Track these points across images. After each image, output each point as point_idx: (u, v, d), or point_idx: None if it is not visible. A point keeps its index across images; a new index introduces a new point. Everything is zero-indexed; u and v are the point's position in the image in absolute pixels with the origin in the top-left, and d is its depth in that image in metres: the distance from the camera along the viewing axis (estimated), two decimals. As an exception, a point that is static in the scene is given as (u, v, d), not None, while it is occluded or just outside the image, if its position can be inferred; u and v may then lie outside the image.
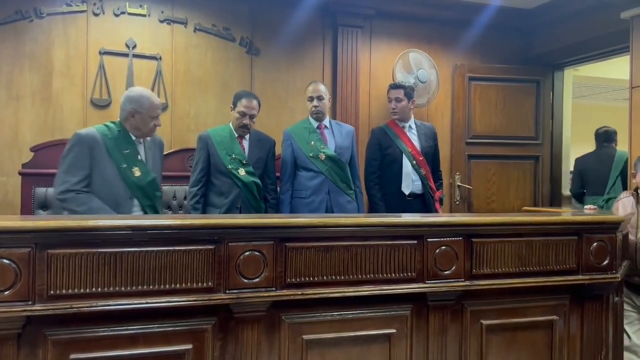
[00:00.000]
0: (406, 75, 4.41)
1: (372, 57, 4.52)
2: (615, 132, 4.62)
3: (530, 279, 1.92)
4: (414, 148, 3.43)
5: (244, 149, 3.12)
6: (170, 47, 4.04)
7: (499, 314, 1.92)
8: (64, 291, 1.44)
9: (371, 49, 4.52)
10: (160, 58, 4.00)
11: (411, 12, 4.50)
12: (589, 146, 4.75)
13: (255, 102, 3.10)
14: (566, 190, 4.93)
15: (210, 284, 1.57)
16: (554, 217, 2.11)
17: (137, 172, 2.51)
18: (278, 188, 3.28)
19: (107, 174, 2.44)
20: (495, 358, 1.91)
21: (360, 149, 3.81)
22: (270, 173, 3.22)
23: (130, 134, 2.55)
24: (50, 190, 3.36)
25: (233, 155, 3.04)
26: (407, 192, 3.39)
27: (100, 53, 3.86)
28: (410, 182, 3.39)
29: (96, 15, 3.86)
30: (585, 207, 2.92)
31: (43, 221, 1.48)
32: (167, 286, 1.53)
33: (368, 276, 1.73)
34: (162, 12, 4.01)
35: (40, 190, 3.36)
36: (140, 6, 3.95)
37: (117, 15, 3.91)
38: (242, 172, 3.03)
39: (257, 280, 1.61)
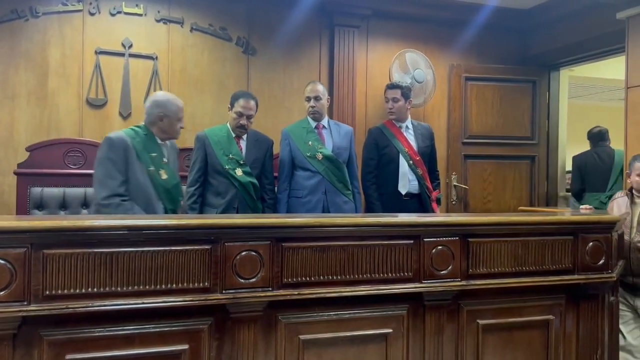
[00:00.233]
0: (403, 75, 4.42)
1: (369, 57, 4.52)
2: (607, 131, 4.65)
3: (526, 279, 1.92)
4: (411, 148, 3.44)
5: (241, 149, 3.12)
6: (167, 47, 4.03)
7: (495, 314, 1.93)
8: (59, 291, 1.43)
9: (368, 49, 4.52)
10: (157, 58, 3.99)
11: (408, 12, 4.50)
12: (585, 146, 4.77)
13: (252, 103, 3.10)
14: (562, 190, 4.94)
15: (206, 284, 1.57)
16: (549, 217, 2.11)
17: (163, 175, 2.56)
18: (276, 188, 3.29)
19: (139, 177, 2.48)
20: (492, 357, 1.91)
21: (357, 148, 3.81)
22: (268, 173, 3.22)
23: (156, 137, 2.60)
24: (46, 190, 3.35)
25: (230, 156, 3.04)
26: (403, 192, 3.39)
27: (96, 53, 3.85)
28: (407, 182, 3.40)
29: (92, 14, 3.85)
30: (581, 207, 2.93)
31: (39, 221, 1.48)
32: (164, 286, 1.52)
33: (364, 276, 1.73)
34: (159, 11, 4.00)
35: (36, 190, 3.34)
36: (137, 5, 3.94)
37: (113, 15, 3.89)
38: (239, 172, 3.03)
39: (253, 280, 1.61)
